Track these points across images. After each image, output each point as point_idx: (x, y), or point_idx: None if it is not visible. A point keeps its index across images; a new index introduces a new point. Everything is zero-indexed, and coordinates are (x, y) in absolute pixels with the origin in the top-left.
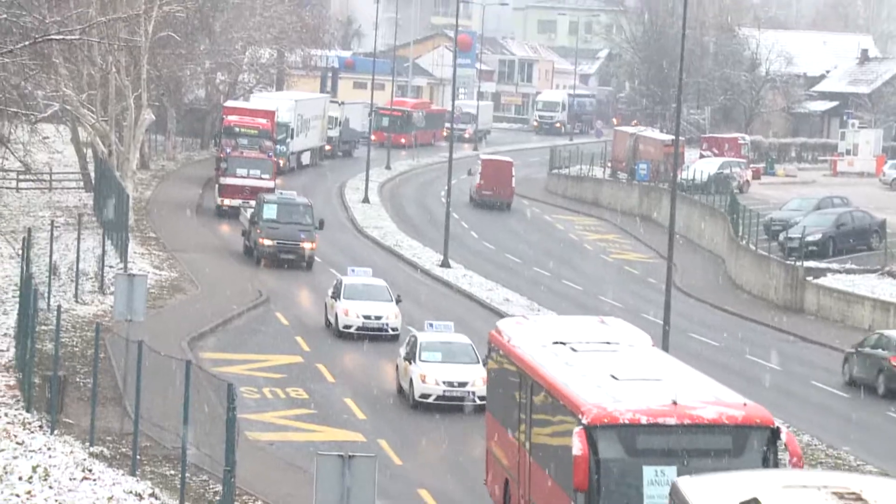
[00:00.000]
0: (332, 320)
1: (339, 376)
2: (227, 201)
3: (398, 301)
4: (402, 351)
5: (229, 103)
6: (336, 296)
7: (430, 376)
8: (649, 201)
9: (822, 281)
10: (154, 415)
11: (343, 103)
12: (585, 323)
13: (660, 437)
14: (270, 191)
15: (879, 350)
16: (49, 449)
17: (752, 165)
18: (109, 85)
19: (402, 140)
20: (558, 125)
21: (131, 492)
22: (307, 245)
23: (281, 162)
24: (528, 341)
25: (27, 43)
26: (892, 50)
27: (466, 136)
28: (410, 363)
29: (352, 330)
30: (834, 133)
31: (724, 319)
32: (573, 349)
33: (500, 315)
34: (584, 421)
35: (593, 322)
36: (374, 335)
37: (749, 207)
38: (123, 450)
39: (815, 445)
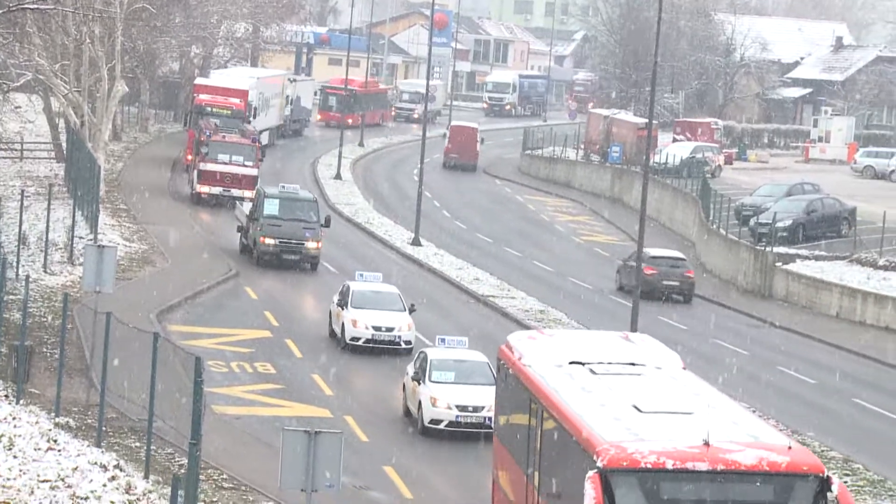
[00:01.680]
0: (338, 331)
1: (337, 387)
2: (206, 189)
3: (412, 310)
4: (410, 369)
5: (200, 81)
6: (343, 304)
7: (442, 399)
8: (621, 184)
9: (791, 267)
10: (120, 387)
11: (295, 80)
12: (607, 340)
13: (688, 486)
14: (253, 179)
15: (660, 266)
16: (14, 419)
17: (724, 150)
18: (83, 55)
19: (349, 120)
20: (508, 107)
21: (96, 463)
22: (312, 244)
23: None
24: (542, 360)
25: (1, 11)
26: (866, 38)
27: (415, 116)
28: (419, 383)
29: (360, 342)
30: (807, 120)
31: (693, 303)
32: (592, 371)
33: (469, 294)
34: (600, 463)
35: (616, 339)
36: (385, 348)
37: (720, 192)
38: (89, 421)
39: None
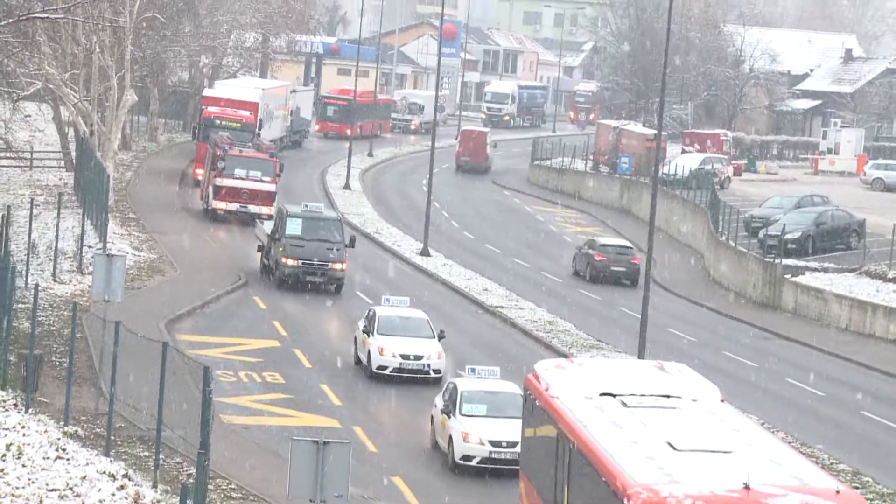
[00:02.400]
0: (365, 359)
1: (345, 397)
2: (222, 205)
3: (441, 337)
4: (439, 401)
5: (208, 92)
6: (369, 330)
7: (474, 434)
8: (630, 195)
9: (800, 279)
10: (129, 396)
11: (294, 91)
12: (641, 369)
13: None
14: (271, 195)
15: (590, 250)
16: (23, 427)
17: (733, 162)
18: (93, 65)
19: (347, 131)
20: (507, 118)
21: (105, 472)
22: (337, 266)
23: None
24: (571, 391)
25: (11, 21)
26: (876, 50)
27: (412, 128)
28: (449, 417)
29: (387, 371)
30: (816, 132)
31: (702, 315)
32: (624, 404)
33: (478, 304)
34: None
35: (650, 369)
36: (413, 378)
37: (729, 204)
38: (98, 430)
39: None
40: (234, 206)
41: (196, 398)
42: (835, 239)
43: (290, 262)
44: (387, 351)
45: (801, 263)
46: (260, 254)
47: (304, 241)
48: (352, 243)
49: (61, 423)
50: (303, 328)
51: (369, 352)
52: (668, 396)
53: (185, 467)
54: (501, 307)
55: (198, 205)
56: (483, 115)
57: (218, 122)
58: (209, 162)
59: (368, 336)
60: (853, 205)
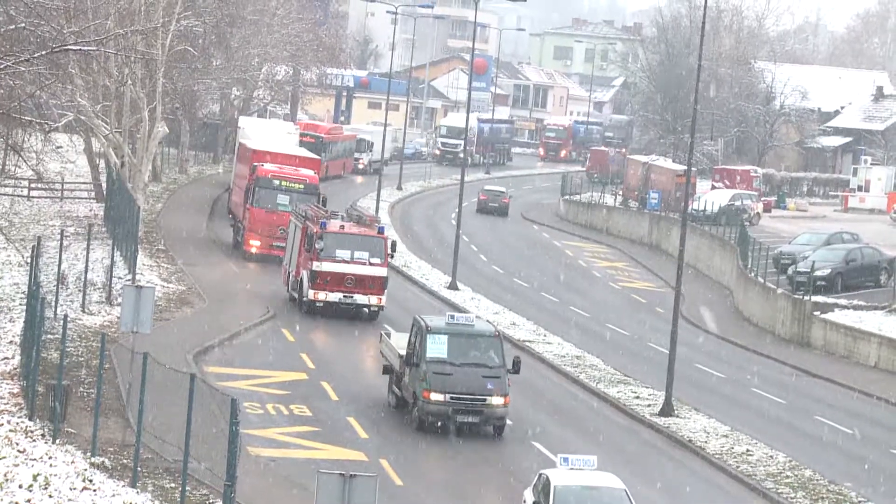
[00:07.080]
0: None
1: (372, 430)
2: (322, 295)
3: None
4: (529, 496)
5: (254, 144)
6: None
7: None
8: (659, 231)
9: (829, 316)
10: (156, 427)
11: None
12: None
13: None
14: (382, 281)
15: (480, 193)
16: (50, 458)
17: (763, 198)
18: (124, 97)
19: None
20: (463, 155)
21: (131, 503)
22: (497, 400)
23: None
24: None
25: (44, 52)
26: None
27: (360, 166)
28: None
29: None
30: (846, 169)
31: (730, 351)
32: None
33: (506, 339)
34: None
35: None
36: None
37: (759, 240)
38: (125, 461)
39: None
40: (335, 297)
41: (223, 430)
42: (864, 276)
43: (435, 396)
44: None
45: (831, 300)
46: (389, 378)
47: (452, 367)
48: (515, 368)
49: (88, 454)
50: (330, 360)
51: None
52: None
53: (211, 499)
54: (530, 341)
55: (226, 233)
56: (436, 153)
57: (277, 182)
58: (295, 238)
59: None
60: (883, 242)
